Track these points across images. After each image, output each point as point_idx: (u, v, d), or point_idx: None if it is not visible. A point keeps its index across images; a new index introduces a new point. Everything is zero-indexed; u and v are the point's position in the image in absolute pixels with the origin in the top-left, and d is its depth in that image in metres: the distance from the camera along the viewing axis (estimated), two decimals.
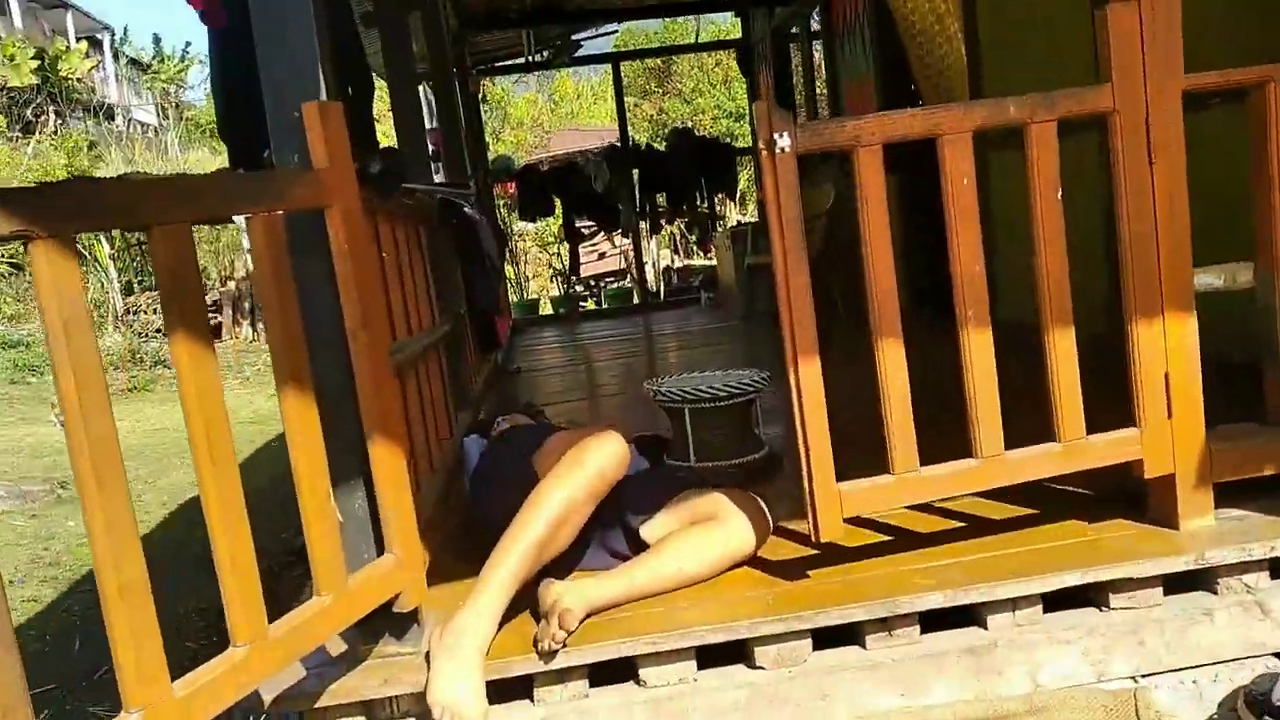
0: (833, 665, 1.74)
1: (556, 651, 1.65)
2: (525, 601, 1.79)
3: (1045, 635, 1.76)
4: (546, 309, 9.69)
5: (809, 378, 1.73)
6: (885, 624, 1.74)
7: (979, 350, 1.78)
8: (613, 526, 2.01)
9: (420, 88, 4.89)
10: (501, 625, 1.71)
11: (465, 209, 4.47)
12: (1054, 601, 1.79)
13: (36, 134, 17.64)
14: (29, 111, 18.45)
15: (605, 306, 9.69)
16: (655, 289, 9.87)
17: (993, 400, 1.80)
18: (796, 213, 1.72)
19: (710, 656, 1.75)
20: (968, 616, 1.79)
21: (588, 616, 1.73)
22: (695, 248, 11.82)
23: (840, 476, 1.76)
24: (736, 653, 1.76)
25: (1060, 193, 1.80)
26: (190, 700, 1.22)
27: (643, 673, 1.72)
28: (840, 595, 1.76)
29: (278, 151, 1.59)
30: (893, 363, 1.76)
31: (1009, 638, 1.76)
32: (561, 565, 1.88)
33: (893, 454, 1.79)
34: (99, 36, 22.74)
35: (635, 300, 9.09)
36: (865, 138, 1.74)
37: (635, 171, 8.37)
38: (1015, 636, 1.76)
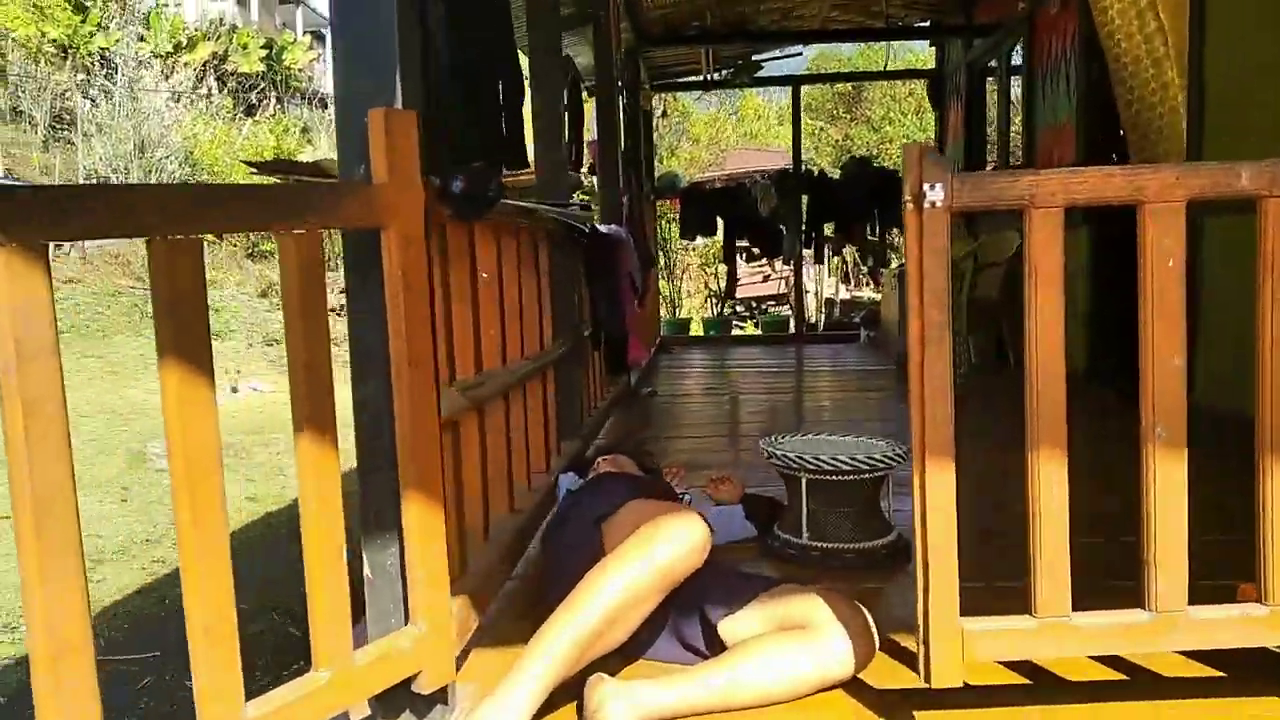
0: None
1: None
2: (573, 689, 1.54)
3: None
4: (698, 329, 9.46)
5: (938, 489, 1.40)
6: None
7: (1165, 479, 1.40)
8: (689, 613, 1.72)
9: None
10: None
11: (599, 227, 4.30)
12: None
13: (256, 116, 19.23)
14: (253, 95, 20.19)
15: (759, 332, 9.36)
16: (813, 320, 9.46)
17: (1178, 540, 1.41)
18: (944, 284, 1.39)
19: None
20: None
21: None
22: (867, 278, 11.30)
23: (971, 571, 1.42)
24: None
25: None
26: None
27: None
28: None
29: (343, 162, 1.41)
30: (1048, 479, 1.41)
31: None
32: (626, 648, 1.62)
33: (1037, 591, 1.43)
34: (323, 32, 24.41)
35: (791, 329, 8.72)
36: (1042, 197, 1.40)
37: (805, 198, 8.02)
38: None
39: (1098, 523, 2.42)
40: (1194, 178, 1.41)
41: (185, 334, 1.10)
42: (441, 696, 1.52)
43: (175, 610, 3.86)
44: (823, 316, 9.70)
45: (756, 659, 1.59)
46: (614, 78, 4.78)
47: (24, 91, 17.88)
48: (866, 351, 7.66)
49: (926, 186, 1.38)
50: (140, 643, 3.83)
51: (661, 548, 1.54)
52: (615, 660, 1.61)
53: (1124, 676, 1.64)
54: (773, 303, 11.78)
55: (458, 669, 1.73)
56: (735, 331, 9.79)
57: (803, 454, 2.30)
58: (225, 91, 21.00)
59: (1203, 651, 1.55)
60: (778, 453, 2.34)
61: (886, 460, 2.27)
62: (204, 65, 20.50)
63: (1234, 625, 1.42)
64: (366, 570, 1.48)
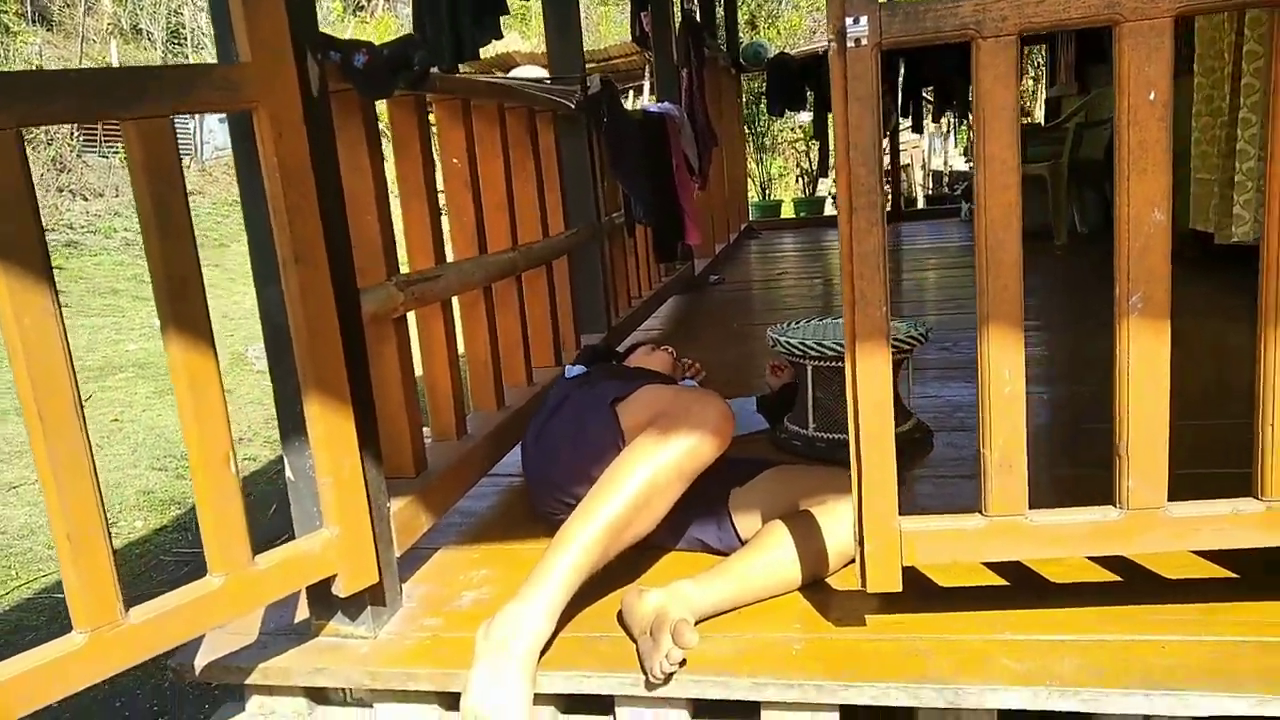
0: None
1: (672, 676, 1.32)
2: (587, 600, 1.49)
3: None
4: (790, 212, 9.08)
5: (870, 379, 1.24)
6: (946, 714, 1.27)
7: (1142, 357, 1.20)
8: (704, 496, 1.63)
9: None
10: (560, 625, 1.40)
11: (650, 107, 4.07)
12: None
13: (364, 14, 19.63)
14: None
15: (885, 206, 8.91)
16: (913, 196, 8.94)
17: (1157, 428, 1.22)
18: (872, 137, 1.20)
19: (718, 708, 1.37)
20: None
21: None
22: None
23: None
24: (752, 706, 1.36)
25: None
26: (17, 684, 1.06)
27: (621, 713, 1.38)
28: (888, 663, 1.30)
29: (218, 40, 1.31)
30: (999, 365, 1.23)
31: None
32: (651, 538, 1.53)
33: (987, 486, 1.27)
34: None
35: (888, 208, 8.27)
36: (991, 24, 1.17)
37: (901, 62, 7.45)
38: None
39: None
40: None
41: (9, 237, 1.05)
42: (378, 598, 1.50)
43: (260, 503, 4.09)
44: (924, 191, 9.15)
45: (786, 546, 1.51)
46: None
47: (141, 9, 18.46)
48: (967, 226, 7.20)
49: (849, 20, 1.18)
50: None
51: (687, 429, 1.45)
52: (632, 552, 1.52)
53: (1118, 578, 1.47)
54: (886, 179, 11.15)
55: (415, 570, 1.72)
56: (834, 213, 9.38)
57: (806, 340, 2.14)
58: None
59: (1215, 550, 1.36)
60: (783, 339, 2.18)
61: (900, 343, 2.09)
62: None
63: (1220, 524, 1.22)
64: (288, 473, 1.45)
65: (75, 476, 1.11)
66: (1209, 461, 1.68)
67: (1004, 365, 1.22)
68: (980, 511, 1.28)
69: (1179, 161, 4.31)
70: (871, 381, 1.24)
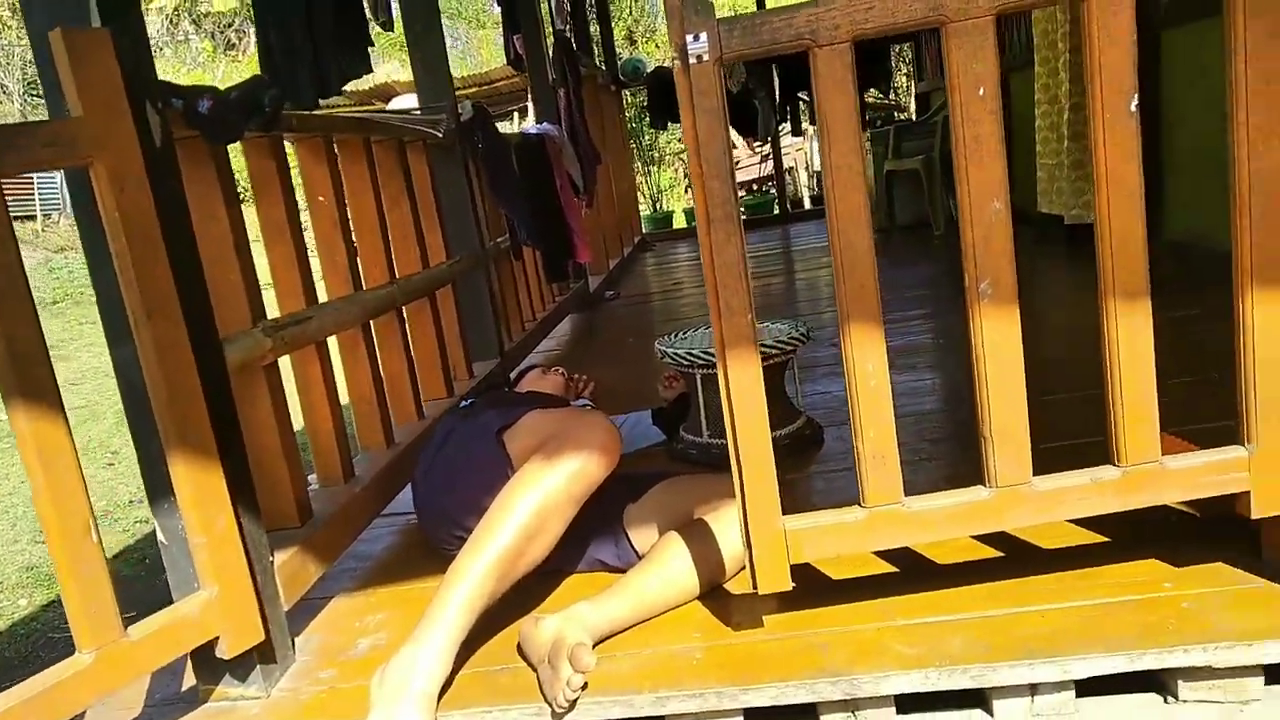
0: None
1: (576, 701, 1.30)
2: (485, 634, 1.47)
3: None
4: (682, 222, 9.19)
5: (743, 383, 1.26)
6: (847, 704, 1.30)
7: (996, 341, 1.25)
8: (597, 516, 1.63)
9: None
10: (458, 663, 1.37)
11: (530, 128, 4.07)
12: (1096, 682, 1.28)
13: (236, 54, 19.27)
14: (231, 34, 20.20)
15: (744, 217, 9.08)
16: (799, 197, 9.14)
17: (1017, 407, 1.27)
18: (722, 150, 1.23)
19: None
20: (970, 696, 1.31)
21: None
22: None
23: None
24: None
25: (1135, 101, 1.21)
26: None
27: None
28: (787, 661, 1.32)
29: (47, 93, 1.26)
30: (864, 357, 1.26)
31: None
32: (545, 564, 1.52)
33: (864, 478, 1.30)
34: None
35: (776, 211, 8.43)
36: (825, 32, 1.21)
37: (774, 68, 7.63)
38: None
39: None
40: None
41: None
42: (268, 655, 1.45)
43: (155, 569, 3.90)
44: (809, 193, 9.38)
45: (682, 557, 1.51)
46: None
47: None
48: None
49: (689, 38, 1.20)
50: (123, 603, 3.89)
51: (572, 452, 1.44)
52: (530, 580, 1.50)
53: (1000, 553, 1.53)
54: (771, 183, 11.41)
55: (308, 622, 1.67)
56: None
57: (692, 349, 2.16)
58: (201, 34, 20.78)
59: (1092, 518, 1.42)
60: (669, 350, 2.20)
61: (781, 345, 2.13)
62: (175, 10, 20.22)
63: (1082, 494, 1.28)
64: (159, 536, 1.39)
65: None
66: (1081, 433, 1.76)
67: (867, 360, 1.26)
68: (859, 504, 1.31)
69: (1024, 149, 4.54)
70: (744, 388, 1.26)
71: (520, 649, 1.43)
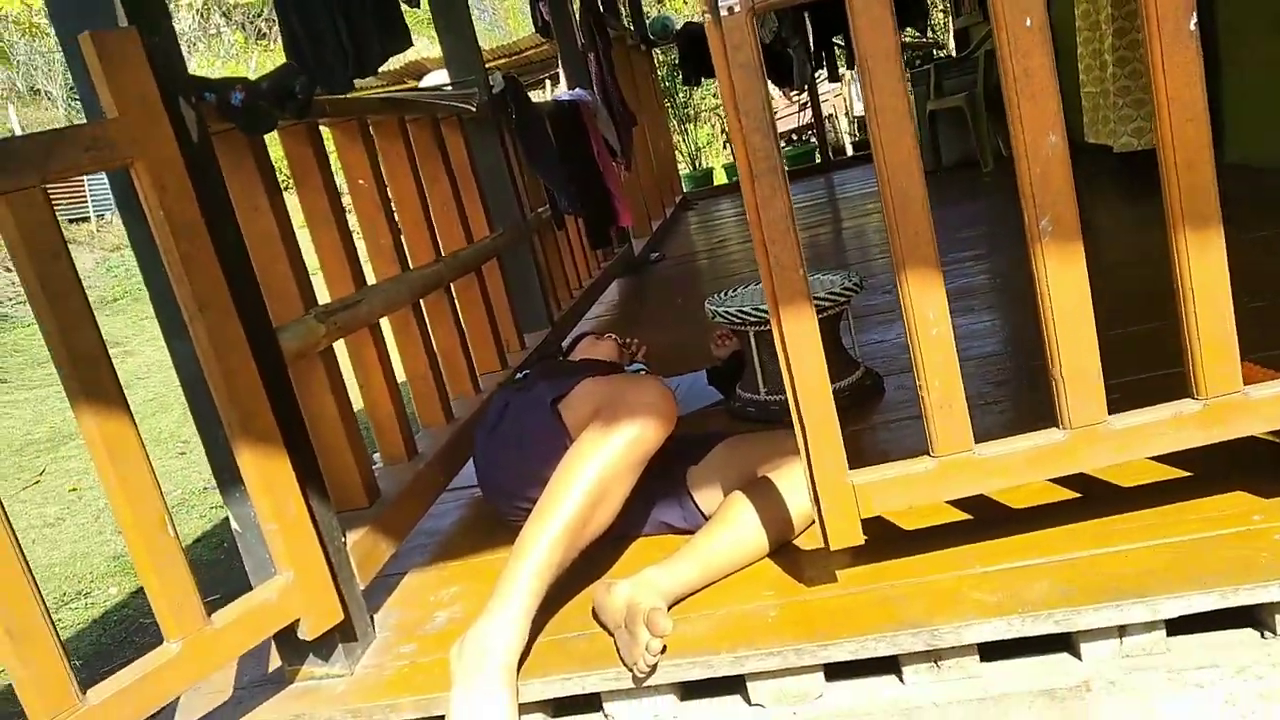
0: (855, 707, 1.30)
1: (656, 666, 1.30)
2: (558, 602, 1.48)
3: (1167, 673, 1.23)
4: (722, 178, 9.07)
5: (800, 338, 1.24)
6: (929, 655, 1.28)
7: (1061, 281, 1.21)
8: (660, 477, 1.63)
9: None
10: (534, 631, 1.38)
11: (561, 96, 4.02)
12: (1186, 621, 1.25)
13: (268, 43, 19.55)
14: (262, 23, 20.41)
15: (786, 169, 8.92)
16: (840, 145, 8.96)
17: (1088, 347, 1.22)
18: (761, 103, 1.19)
19: (704, 686, 1.37)
20: (1054, 641, 1.29)
21: None
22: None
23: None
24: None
25: (1194, 19, 1.14)
26: None
27: (609, 707, 1.37)
28: (864, 615, 1.30)
29: (83, 97, 1.27)
30: (923, 303, 1.23)
31: (1110, 675, 1.24)
32: (612, 529, 1.52)
33: (931, 428, 1.27)
34: None
35: (817, 159, 8.28)
36: None
37: (806, 14, 7.44)
38: (1120, 675, 1.24)
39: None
40: None
41: None
42: (348, 634, 1.48)
43: (233, 552, 4.02)
44: (850, 138, 9.19)
45: (749, 516, 1.50)
46: None
47: (36, 69, 17.93)
48: None
49: None
50: (204, 587, 4.02)
51: (628, 418, 1.43)
52: (598, 546, 1.50)
53: (1077, 494, 1.49)
54: (811, 132, 11.21)
55: (385, 598, 1.70)
56: None
57: (743, 307, 2.13)
58: (232, 26, 20.98)
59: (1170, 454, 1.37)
60: (719, 310, 2.17)
61: (834, 297, 2.09)
62: (205, 5, 20.41)
63: (1162, 430, 1.24)
64: (233, 524, 1.42)
65: (3, 566, 1.07)
66: (1150, 367, 1.71)
67: (927, 308, 1.22)
68: (928, 453, 1.28)
69: (1067, 78, 4.38)
70: (801, 344, 1.24)
71: (595, 614, 1.44)
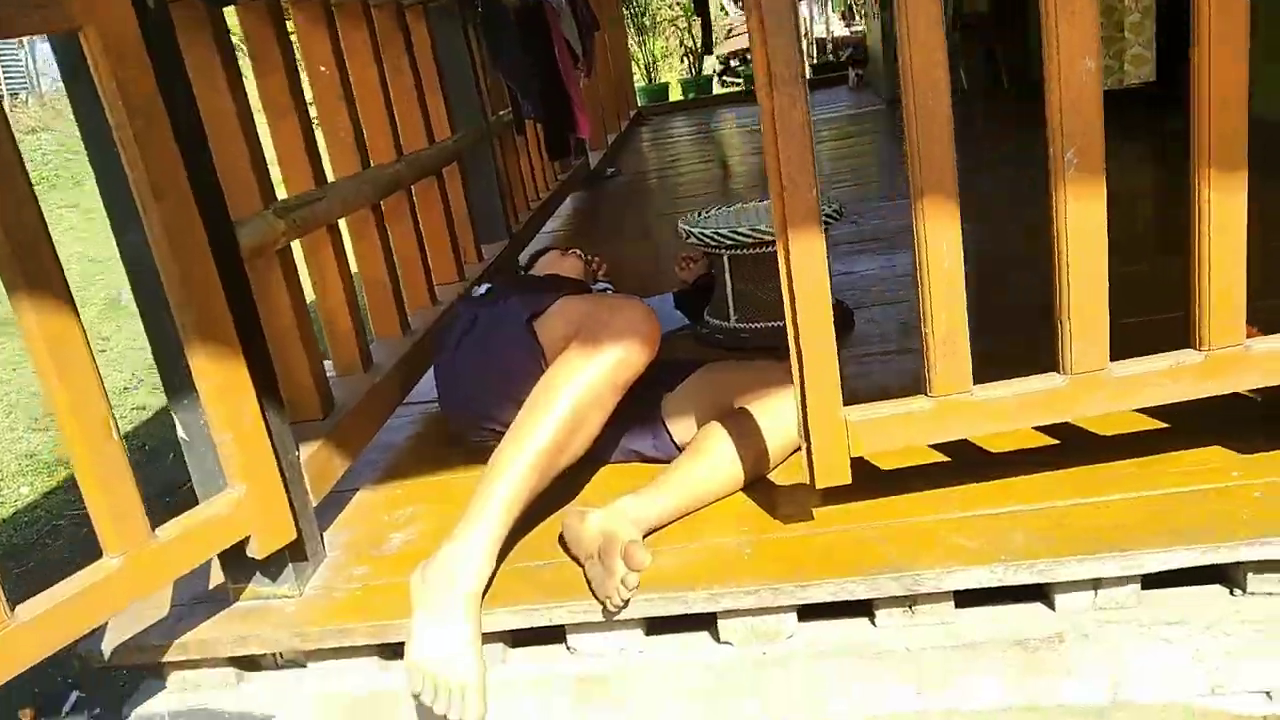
0: (825, 648, 1.28)
1: (629, 601, 1.25)
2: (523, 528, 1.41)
3: (1138, 626, 1.23)
4: (677, 94, 8.85)
5: (806, 263, 1.17)
6: (904, 600, 1.26)
7: (1080, 218, 1.16)
8: (635, 415, 1.57)
9: None
10: (500, 559, 1.31)
11: None
12: (1159, 574, 1.24)
13: None
14: None
15: (745, 89, 8.75)
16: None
17: (1096, 291, 1.18)
18: (786, 2, 1.10)
19: (671, 622, 1.33)
20: (1028, 590, 1.28)
21: None
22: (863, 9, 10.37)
23: None
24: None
25: None
26: None
27: (572, 640, 1.33)
28: (842, 556, 1.28)
29: None
30: (938, 237, 1.17)
31: (1083, 627, 1.24)
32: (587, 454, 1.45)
33: (932, 367, 1.23)
34: None
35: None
36: None
37: None
38: (1093, 626, 1.24)
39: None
40: None
41: None
42: (299, 553, 1.40)
43: (156, 452, 3.87)
44: (809, 61, 9.02)
45: (727, 447, 1.44)
46: None
47: None
48: (856, 94, 7.16)
49: None
50: None
51: (617, 340, 1.35)
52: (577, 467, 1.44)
53: (1055, 441, 1.47)
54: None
55: (335, 516, 1.62)
56: (728, 91, 9.16)
57: (720, 230, 2.06)
58: None
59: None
60: (695, 230, 2.09)
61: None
62: None
63: (1160, 380, 1.21)
64: (180, 432, 1.31)
65: None
66: (1144, 308, 1.68)
67: (941, 239, 1.16)
68: (925, 393, 1.24)
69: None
70: (807, 270, 1.17)
71: (563, 543, 1.38)
